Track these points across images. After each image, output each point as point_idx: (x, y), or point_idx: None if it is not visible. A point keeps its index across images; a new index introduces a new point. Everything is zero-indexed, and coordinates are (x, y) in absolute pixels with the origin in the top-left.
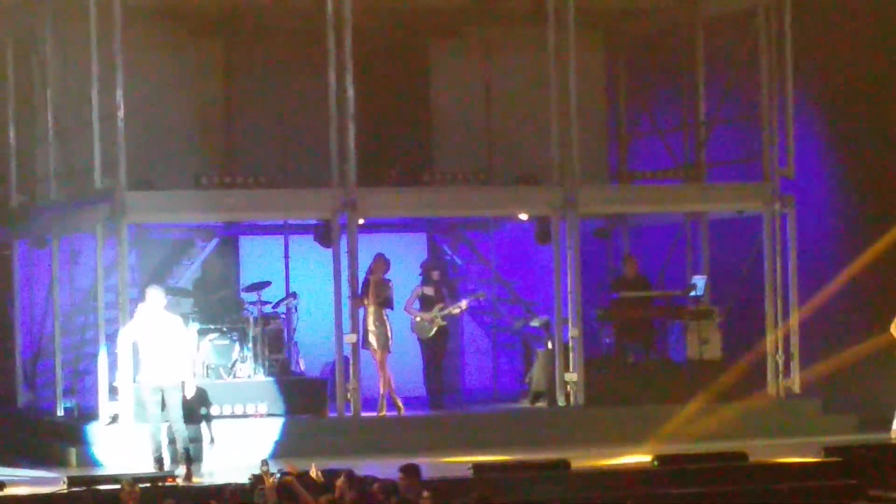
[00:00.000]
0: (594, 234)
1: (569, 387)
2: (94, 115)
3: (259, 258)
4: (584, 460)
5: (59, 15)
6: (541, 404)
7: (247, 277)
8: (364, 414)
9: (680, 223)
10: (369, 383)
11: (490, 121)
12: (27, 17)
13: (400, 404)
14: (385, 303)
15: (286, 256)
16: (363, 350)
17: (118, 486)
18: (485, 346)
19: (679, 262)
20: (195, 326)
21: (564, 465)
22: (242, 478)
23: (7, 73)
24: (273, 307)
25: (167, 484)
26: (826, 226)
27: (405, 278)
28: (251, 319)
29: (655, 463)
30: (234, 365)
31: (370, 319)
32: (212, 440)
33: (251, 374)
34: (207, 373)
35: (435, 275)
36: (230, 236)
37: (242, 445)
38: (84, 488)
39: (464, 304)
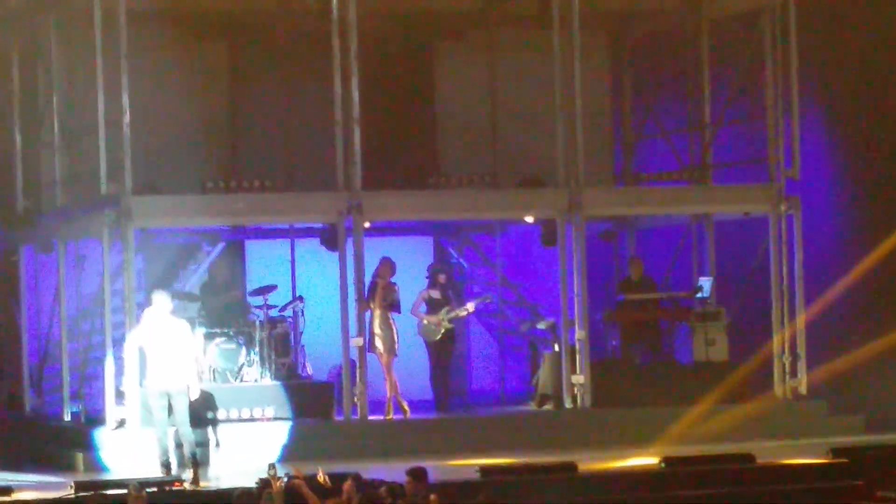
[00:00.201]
0: (600, 236)
1: (575, 389)
2: (99, 120)
3: (265, 262)
4: (591, 463)
5: (64, 20)
6: (547, 407)
7: (253, 281)
8: (371, 417)
9: (686, 225)
10: (376, 387)
11: (495, 124)
12: (32, 22)
13: (406, 407)
14: (391, 306)
15: (292, 260)
16: (369, 353)
17: (125, 491)
18: (491, 349)
19: (685, 264)
20: (202, 330)
21: (571, 467)
22: (250, 482)
23: (12, 78)
24: (279, 311)
25: (174, 488)
26: (832, 227)
27: (411, 282)
28: (258, 323)
29: (662, 465)
30: (240, 369)
31: (376, 323)
32: (218, 444)
33: (258, 377)
34: (214, 377)
35: (441, 278)
36: (236, 240)
37: (249, 449)
38: (91, 493)
39: (471, 306)
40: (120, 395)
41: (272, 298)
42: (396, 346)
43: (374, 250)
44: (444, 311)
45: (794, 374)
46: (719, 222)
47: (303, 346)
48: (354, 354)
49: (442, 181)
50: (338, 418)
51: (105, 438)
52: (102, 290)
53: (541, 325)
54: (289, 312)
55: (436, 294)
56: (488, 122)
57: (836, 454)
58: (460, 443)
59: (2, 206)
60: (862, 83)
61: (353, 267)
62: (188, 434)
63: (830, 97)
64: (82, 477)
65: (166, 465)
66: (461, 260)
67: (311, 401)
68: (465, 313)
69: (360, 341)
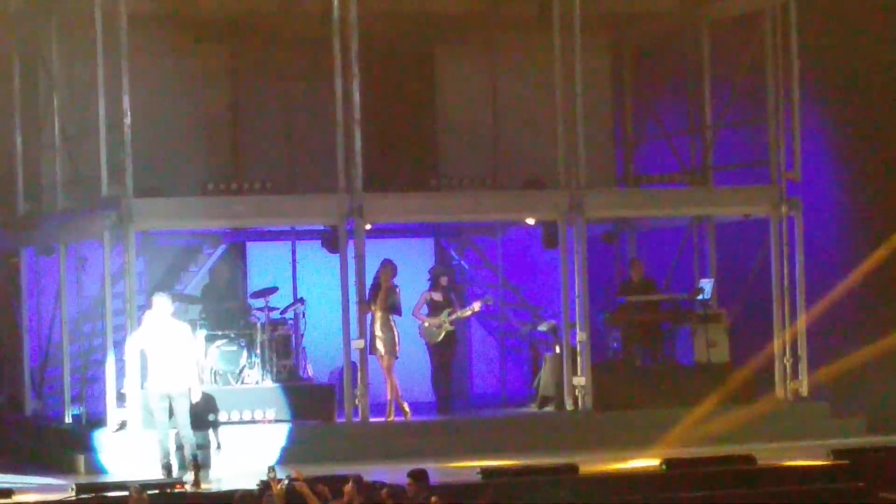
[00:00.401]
0: (601, 238)
1: (577, 391)
2: (100, 122)
3: (266, 264)
4: (593, 464)
5: (65, 23)
6: (549, 409)
7: (254, 283)
8: (372, 419)
9: (687, 227)
10: (377, 389)
11: (496, 125)
12: (33, 25)
13: (406, 409)
14: (392, 308)
15: (293, 262)
16: (370, 356)
17: (126, 493)
18: (492, 351)
19: (686, 266)
20: (203, 333)
21: (573, 469)
22: (250, 484)
23: (13, 80)
24: (280, 313)
25: (175, 490)
26: (833, 228)
27: (412, 283)
28: (259, 325)
29: (664, 466)
30: (241, 371)
31: (377, 325)
32: (219, 446)
33: (259, 380)
34: (215, 379)
35: (443, 280)
36: (237, 242)
37: (250, 451)
38: (92, 495)
39: (476, 306)
40: (121, 398)
41: (273, 301)
42: (397, 349)
43: (375, 252)
44: (445, 313)
45: (795, 375)
46: (720, 224)
47: (304, 348)
48: (355, 357)
49: (443, 183)
50: (339, 420)
51: (106, 441)
52: (103, 293)
53: (542, 327)
54: (290, 315)
55: (437, 296)
56: (489, 123)
57: (837, 456)
58: (462, 444)
59: (3, 208)
60: (863, 84)
61: (355, 269)
62: (189, 436)
63: (831, 99)
64: (83, 479)
65: (167, 468)
66: (462, 262)
67: (312, 403)
68: (469, 313)
69: (361, 343)
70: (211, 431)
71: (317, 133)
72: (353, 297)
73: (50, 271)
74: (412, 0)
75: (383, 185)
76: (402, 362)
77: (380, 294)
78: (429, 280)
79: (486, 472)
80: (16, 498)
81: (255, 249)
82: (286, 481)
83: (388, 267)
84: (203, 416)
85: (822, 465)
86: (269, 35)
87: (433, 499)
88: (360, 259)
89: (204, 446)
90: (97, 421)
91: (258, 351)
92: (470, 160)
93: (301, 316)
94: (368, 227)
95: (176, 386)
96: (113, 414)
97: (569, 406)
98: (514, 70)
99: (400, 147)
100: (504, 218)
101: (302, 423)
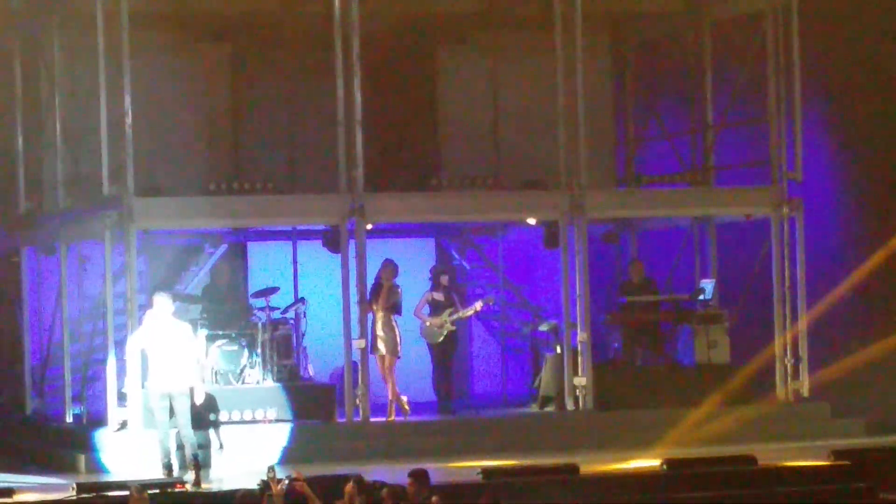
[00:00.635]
0: (602, 238)
1: (577, 391)
2: (102, 121)
3: (267, 264)
4: (593, 465)
5: (67, 22)
6: (549, 409)
7: (255, 283)
8: (373, 419)
9: (688, 227)
10: (378, 388)
11: (498, 125)
12: (35, 24)
13: (406, 406)
14: (394, 308)
15: (294, 262)
16: (371, 355)
17: (127, 493)
18: (493, 351)
19: (687, 266)
20: (204, 332)
21: (573, 469)
22: (251, 483)
23: (15, 80)
24: (282, 313)
25: (176, 490)
26: (834, 229)
27: (413, 283)
28: (260, 325)
29: (664, 467)
30: (242, 371)
31: (379, 325)
32: (220, 446)
33: (260, 379)
34: (216, 378)
35: (444, 279)
36: (238, 242)
37: (251, 451)
38: (93, 495)
39: (478, 306)
40: (122, 397)
41: (274, 300)
42: (399, 348)
43: (376, 252)
44: (446, 313)
45: (795, 376)
46: (721, 224)
47: (305, 347)
48: (356, 356)
49: (444, 183)
50: (340, 420)
51: (107, 440)
52: (104, 292)
53: (543, 327)
54: (291, 314)
55: (439, 296)
56: (490, 123)
57: (837, 457)
58: (462, 445)
59: (4, 207)
60: (865, 85)
61: (356, 269)
62: (190, 436)
63: (833, 99)
64: (84, 479)
65: (168, 467)
66: (463, 262)
67: (312, 403)
68: (471, 313)
69: (362, 343)
70: (212, 431)
71: (318, 133)
72: (353, 297)
73: (51, 271)
74: (414, 1)
75: (385, 185)
76: (403, 362)
77: (381, 294)
78: (430, 280)
79: (487, 472)
80: (17, 497)
81: (256, 249)
82: (286, 481)
83: (389, 267)
84: (204, 415)
85: (823, 466)
86: (271, 35)
87: (434, 499)
88: (362, 259)
89: (204, 446)
90: (98, 420)
91: (259, 350)
92: (471, 160)
93: (302, 316)
94: (369, 226)
95: (176, 385)
96: (114, 413)
97: (569, 406)
98: (515, 70)
99: (401, 147)
100: (505, 218)
101: (303, 422)
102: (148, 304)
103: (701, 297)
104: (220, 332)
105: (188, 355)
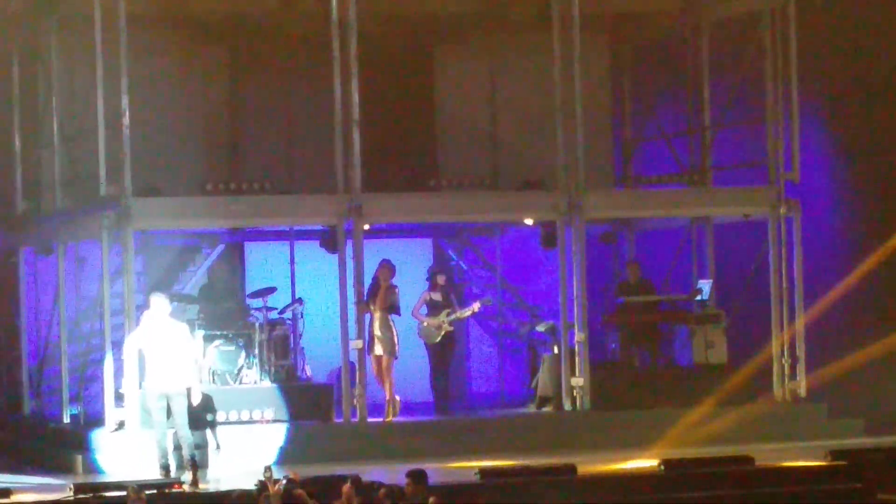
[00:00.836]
0: (600, 239)
1: (575, 391)
2: (99, 121)
3: (265, 264)
4: (591, 465)
5: (65, 22)
6: (547, 409)
7: (252, 283)
8: (370, 419)
9: (685, 227)
10: (373, 389)
11: (495, 126)
12: (33, 24)
13: (397, 408)
14: (391, 308)
15: (292, 262)
16: (369, 356)
17: (124, 493)
18: (491, 352)
19: (685, 267)
20: (201, 332)
21: (571, 469)
22: (248, 484)
23: (13, 80)
24: (279, 313)
25: (173, 490)
26: (831, 229)
27: (411, 284)
28: (257, 325)
29: (662, 467)
30: (240, 371)
31: (376, 325)
32: (217, 446)
33: (257, 380)
34: (213, 379)
35: (440, 279)
36: (236, 242)
37: (248, 451)
38: (90, 495)
39: (476, 306)
40: (119, 398)
41: (272, 301)
42: (397, 349)
43: (374, 252)
44: (444, 313)
45: (793, 376)
46: (719, 225)
47: (302, 348)
48: (354, 357)
49: (442, 183)
50: (337, 420)
51: (104, 440)
52: (102, 292)
53: (540, 328)
54: (288, 315)
55: (436, 296)
56: (488, 124)
57: (835, 457)
58: (460, 445)
59: (1, 207)
60: (862, 85)
61: (353, 269)
62: (187, 436)
63: (830, 99)
64: (81, 479)
65: (165, 468)
66: (461, 262)
67: (310, 403)
68: (469, 313)
69: (359, 344)
70: (209, 431)
71: (315, 133)
72: (351, 298)
73: (48, 271)
74: (411, 1)
75: (382, 186)
76: (400, 362)
77: (379, 294)
78: (427, 280)
79: (484, 473)
80: (14, 497)
81: (253, 249)
82: (283, 482)
83: (387, 267)
84: (201, 415)
85: (821, 466)
86: (269, 35)
87: (431, 499)
88: (359, 259)
89: (202, 446)
90: (95, 421)
91: (256, 351)
92: (469, 160)
93: (299, 316)
94: (367, 227)
95: (174, 386)
96: (111, 414)
97: (567, 406)
98: (513, 70)
99: (399, 147)
100: (503, 218)
101: (300, 423)
102: (145, 305)
103: (698, 297)
104: (218, 333)
105: (185, 356)
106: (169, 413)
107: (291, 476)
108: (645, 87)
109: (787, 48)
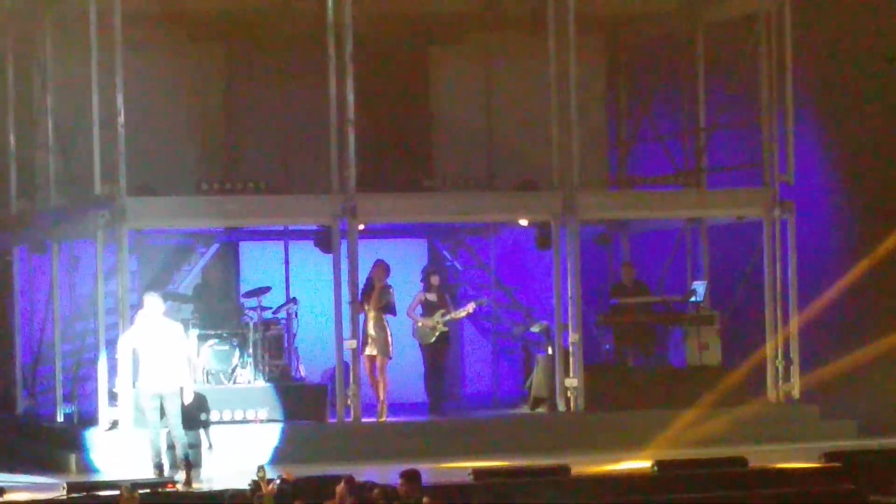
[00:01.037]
0: (595, 240)
1: (569, 392)
2: (94, 120)
3: (259, 264)
4: (585, 466)
5: (60, 20)
6: (541, 410)
7: (247, 283)
8: (364, 420)
9: (680, 229)
10: (364, 389)
11: (490, 127)
12: (28, 22)
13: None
14: (386, 308)
15: (286, 262)
16: (363, 355)
17: (117, 492)
18: (485, 352)
19: (679, 268)
20: (195, 332)
21: (564, 470)
22: (242, 483)
23: (7, 78)
24: (273, 313)
25: (166, 490)
26: (826, 231)
27: (405, 284)
28: (251, 325)
29: (655, 468)
30: (234, 370)
31: (370, 325)
32: (211, 446)
33: (251, 379)
34: (207, 378)
35: (434, 279)
36: (230, 242)
37: (242, 451)
38: (83, 494)
39: (470, 307)
40: (113, 397)
41: (266, 300)
42: (390, 349)
43: (369, 253)
44: (439, 313)
45: (787, 378)
46: (713, 226)
47: (296, 348)
48: (348, 357)
49: (436, 183)
50: (331, 420)
51: (97, 440)
52: (96, 292)
53: (534, 329)
54: (282, 314)
55: (432, 297)
56: (483, 124)
57: (828, 458)
58: (454, 445)
59: None
60: (857, 87)
61: (347, 269)
62: (181, 436)
63: (826, 102)
64: (75, 478)
65: (159, 467)
66: (455, 262)
67: (304, 403)
68: (463, 314)
69: (353, 343)
70: (202, 431)
71: (310, 133)
72: (345, 298)
73: (42, 269)
74: (407, 1)
75: (377, 186)
76: (394, 363)
77: (373, 294)
78: (422, 281)
79: (478, 473)
80: (7, 496)
81: (248, 249)
82: (277, 481)
83: (381, 267)
84: (195, 415)
85: (814, 468)
86: (264, 34)
87: (425, 499)
88: (353, 259)
89: (195, 446)
90: (89, 420)
91: (250, 350)
92: (464, 161)
93: (294, 316)
94: (362, 227)
95: (167, 385)
96: (104, 413)
97: (561, 407)
98: (508, 71)
99: (394, 147)
100: (497, 219)
101: (294, 423)
102: (139, 304)
103: (693, 298)
104: (212, 332)
105: (179, 355)
106: (162, 412)
107: (285, 476)
108: (640, 88)
109: (782, 51)
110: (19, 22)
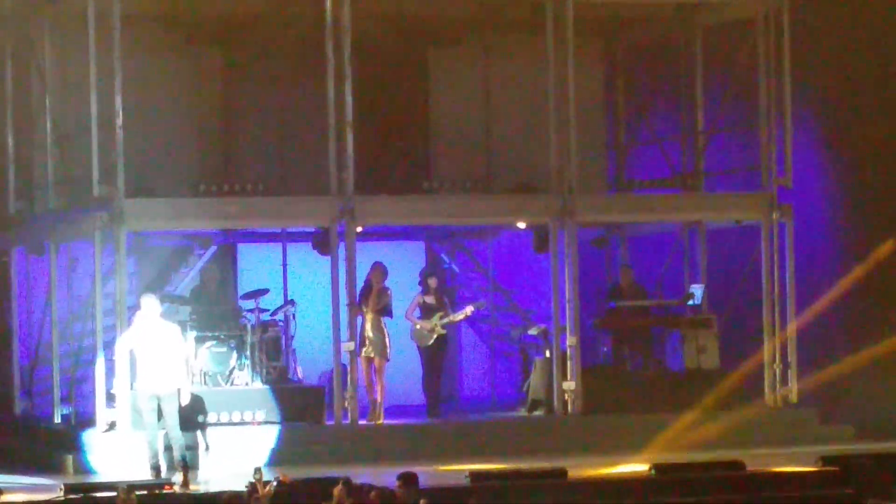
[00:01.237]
0: (592, 243)
1: (566, 395)
2: (92, 122)
3: (257, 266)
4: (582, 469)
5: (58, 22)
6: (538, 413)
7: (245, 285)
8: (361, 422)
9: (678, 232)
10: (361, 391)
11: (489, 129)
12: (26, 24)
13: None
14: (384, 311)
15: (284, 264)
16: (359, 357)
17: (114, 494)
18: (483, 355)
19: (677, 271)
20: (193, 334)
21: (562, 473)
22: (239, 485)
23: (6, 79)
24: (271, 315)
25: (163, 491)
26: (824, 235)
27: (403, 286)
28: (249, 327)
29: (653, 472)
30: (231, 372)
31: (368, 327)
32: (208, 448)
33: (249, 381)
34: (205, 380)
35: (432, 281)
36: (228, 244)
37: (239, 453)
38: (80, 496)
39: (469, 310)
40: (110, 398)
41: (264, 302)
42: (388, 351)
43: (366, 255)
44: (437, 316)
45: (784, 382)
46: (711, 230)
47: (294, 349)
48: (346, 359)
49: (435, 186)
50: (328, 422)
51: (95, 441)
52: (94, 293)
53: (532, 331)
54: (280, 316)
55: (430, 299)
56: (482, 127)
57: (826, 462)
58: (451, 448)
59: None
60: (855, 91)
61: (345, 271)
62: (178, 437)
63: (824, 105)
64: (72, 479)
65: (156, 468)
66: (453, 265)
67: (301, 405)
68: (461, 317)
69: (351, 346)
70: (199, 432)
71: (309, 135)
72: (343, 300)
73: (40, 271)
74: (405, 3)
75: (375, 188)
76: (392, 365)
77: (371, 296)
78: (420, 283)
79: (475, 476)
80: (4, 498)
81: (245, 251)
82: (274, 483)
83: (379, 269)
84: (192, 417)
85: (811, 472)
86: (262, 36)
87: (422, 502)
88: (351, 261)
89: (193, 447)
90: (86, 421)
91: (248, 352)
92: (462, 163)
93: (291, 318)
94: (360, 229)
95: (165, 387)
96: (102, 414)
97: (558, 410)
98: (507, 74)
99: (392, 150)
100: (495, 221)
101: (291, 425)
102: (137, 306)
103: (690, 302)
104: (210, 334)
105: (177, 357)
106: (160, 414)
107: (282, 478)
108: (638, 91)
109: (780, 54)
110: (18, 22)
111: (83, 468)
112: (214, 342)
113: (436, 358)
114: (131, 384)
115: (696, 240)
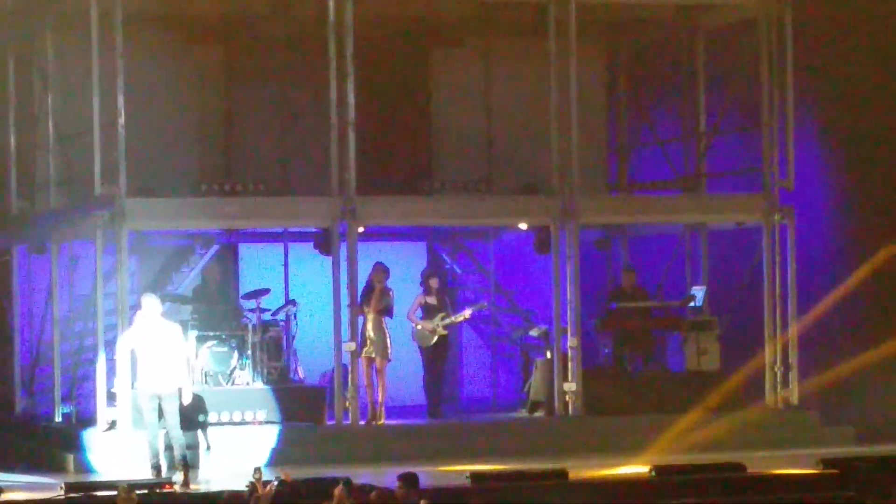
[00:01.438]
0: (594, 245)
1: (567, 396)
2: (94, 121)
3: (258, 266)
4: (582, 470)
5: (60, 21)
6: (539, 414)
7: (246, 285)
8: (362, 422)
9: (679, 234)
10: (361, 391)
11: (490, 130)
12: (28, 23)
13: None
14: (386, 311)
15: (285, 264)
16: (361, 358)
17: (115, 493)
18: (484, 356)
19: (678, 273)
20: (194, 333)
21: (562, 474)
22: (239, 485)
23: (8, 79)
24: (272, 315)
25: (164, 490)
26: (825, 237)
27: (404, 287)
28: (250, 327)
29: (653, 473)
30: (232, 372)
31: (369, 327)
32: (209, 447)
33: (250, 381)
34: (206, 380)
35: (433, 282)
36: (230, 243)
37: (240, 452)
38: (81, 494)
39: (467, 312)
40: (111, 397)
41: (265, 302)
42: (389, 351)
43: (368, 255)
44: (439, 317)
45: (785, 384)
46: (713, 232)
47: (295, 349)
48: (347, 359)
49: (436, 187)
50: (329, 423)
51: (96, 440)
52: (95, 292)
53: (533, 332)
54: (281, 316)
55: (431, 300)
56: (483, 128)
57: (826, 465)
58: (452, 449)
59: None
60: (857, 93)
61: (347, 271)
62: (178, 437)
63: (825, 107)
64: (72, 478)
65: (156, 468)
66: (454, 266)
67: (302, 405)
68: (461, 319)
69: (352, 346)
70: (200, 432)
71: (311, 135)
72: (344, 300)
73: (42, 270)
74: (408, 4)
75: (377, 189)
76: (393, 365)
77: (372, 297)
78: (421, 284)
79: (476, 477)
80: (4, 496)
81: (247, 251)
82: (274, 483)
83: (381, 270)
84: (193, 416)
85: (812, 474)
86: (264, 36)
87: (422, 502)
88: (353, 262)
89: (193, 447)
90: (87, 420)
91: (249, 352)
92: (464, 164)
93: (292, 318)
94: (361, 229)
95: (166, 386)
96: (103, 413)
97: (559, 411)
98: (508, 75)
99: (394, 150)
100: (497, 223)
101: (292, 425)
102: (138, 305)
103: (692, 303)
104: (211, 334)
105: (178, 356)
106: (161, 413)
107: (282, 478)
108: (640, 93)
109: (782, 56)
110: (20, 22)
111: (84, 467)
112: (216, 342)
113: (437, 359)
114: (132, 383)
115: (698, 241)
